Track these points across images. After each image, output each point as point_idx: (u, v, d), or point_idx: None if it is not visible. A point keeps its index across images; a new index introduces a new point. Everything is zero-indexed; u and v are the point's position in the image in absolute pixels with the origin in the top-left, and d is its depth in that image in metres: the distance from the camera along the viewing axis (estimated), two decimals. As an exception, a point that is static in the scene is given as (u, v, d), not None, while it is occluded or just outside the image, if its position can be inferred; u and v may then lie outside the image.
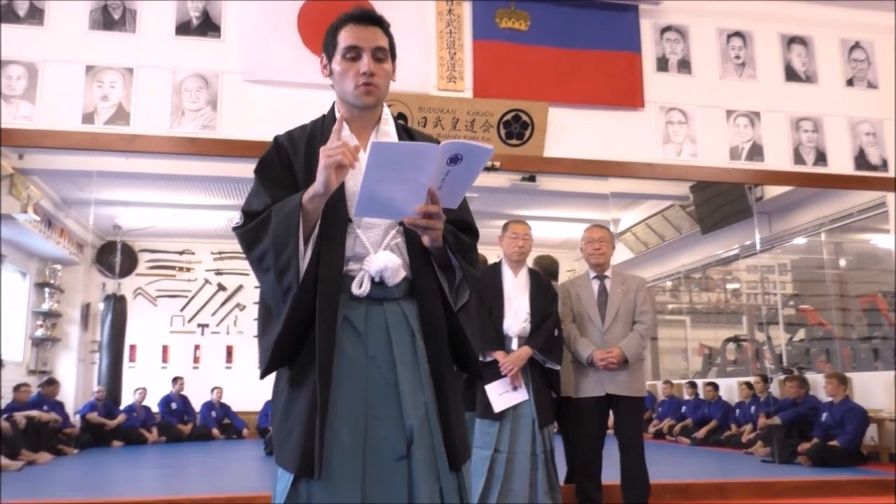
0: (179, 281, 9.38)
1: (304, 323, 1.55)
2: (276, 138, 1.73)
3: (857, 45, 5.43)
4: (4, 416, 6.10)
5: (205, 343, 9.32)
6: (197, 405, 8.98)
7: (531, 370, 3.64)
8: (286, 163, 1.67)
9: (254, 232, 1.58)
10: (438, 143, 1.51)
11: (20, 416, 6.23)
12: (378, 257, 1.60)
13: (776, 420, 6.48)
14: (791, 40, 5.33)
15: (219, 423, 8.99)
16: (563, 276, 5.68)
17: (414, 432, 1.53)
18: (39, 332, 8.01)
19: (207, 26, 4.58)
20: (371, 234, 1.62)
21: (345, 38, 1.66)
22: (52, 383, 7.24)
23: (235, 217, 1.64)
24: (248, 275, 7.88)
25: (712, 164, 5.04)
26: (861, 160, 5.27)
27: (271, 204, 1.59)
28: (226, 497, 4.21)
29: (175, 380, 8.84)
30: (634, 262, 8.73)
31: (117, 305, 8.52)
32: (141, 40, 4.49)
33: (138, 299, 9.12)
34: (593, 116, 4.94)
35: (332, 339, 1.54)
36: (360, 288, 1.59)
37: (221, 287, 9.47)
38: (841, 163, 5.23)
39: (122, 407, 8.23)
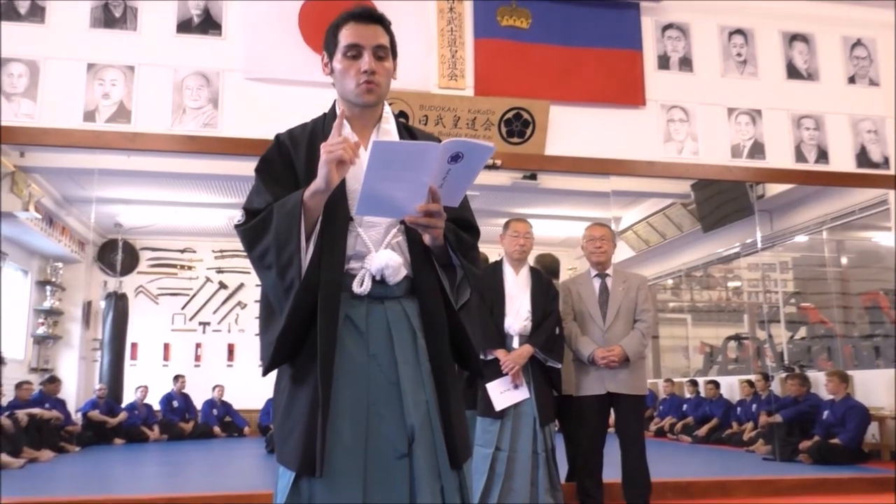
0: (181, 279, 9.40)
1: (306, 320, 1.55)
2: (278, 136, 1.73)
3: (858, 43, 5.42)
4: (6, 413, 6.11)
5: (206, 341, 9.34)
6: (198, 403, 8.99)
7: (532, 368, 3.65)
8: (287, 161, 1.67)
9: (255, 229, 1.58)
10: (439, 141, 1.51)
11: (22, 414, 6.24)
12: (379, 256, 1.60)
13: (777, 418, 6.48)
14: (792, 38, 5.32)
15: (220, 421, 9.00)
16: (565, 275, 5.68)
17: (415, 430, 1.53)
18: (41, 330, 8.04)
19: (208, 24, 4.57)
20: (372, 232, 1.62)
21: (346, 36, 1.66)
22: (53, 381, 7.25)
23: (237, 215, 1.64)
24: (249, 273, 7.92)
25: (713, 162, 5.03)
26: (863, 158, 5.26)
27: (273, 202, 1.59)
28: (227, 495, 4.21)
29: (176, 378, 8.86)
30: (636, 260, 8.72)
31: (119, 303, 8.54)
32: (142, 38, 4.49)
33: (140, 297, 9.14)
34: (594, 114, 4.93)
35: (333, 337, 1.54)
36: (361, 286, 1.59)
37: (223, 285, 9.49)
38: (842, 160, 5.22)
39: (123, 405, 8.25)
